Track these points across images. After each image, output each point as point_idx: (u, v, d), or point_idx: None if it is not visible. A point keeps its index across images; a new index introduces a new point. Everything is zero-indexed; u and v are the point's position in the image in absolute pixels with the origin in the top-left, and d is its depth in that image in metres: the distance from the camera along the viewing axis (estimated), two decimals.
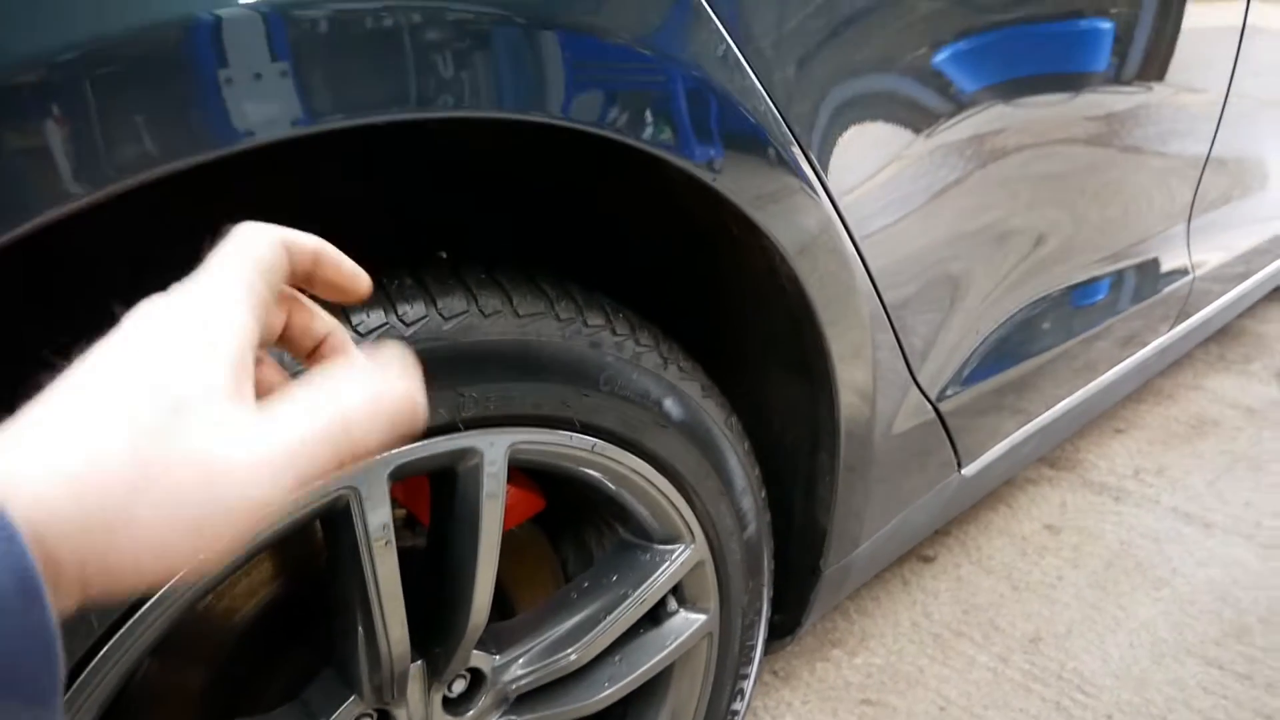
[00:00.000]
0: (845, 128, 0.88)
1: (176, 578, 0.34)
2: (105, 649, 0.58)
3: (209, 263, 0.39)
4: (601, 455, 0.79)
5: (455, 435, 0.68)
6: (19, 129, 0.43)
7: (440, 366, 0.66)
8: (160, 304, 0.37)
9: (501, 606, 0.93)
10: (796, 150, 0.83)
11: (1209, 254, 1.84)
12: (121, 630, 0.58)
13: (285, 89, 0.50)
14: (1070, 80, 1.20)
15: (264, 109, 0.49)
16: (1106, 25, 1.23)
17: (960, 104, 1.01)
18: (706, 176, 0.73)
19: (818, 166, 0.86)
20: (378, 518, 0.66)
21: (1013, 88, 1.10)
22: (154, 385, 0.34)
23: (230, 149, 0.49)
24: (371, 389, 0.39)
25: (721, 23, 0.72)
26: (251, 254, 0.40)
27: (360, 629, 0.71)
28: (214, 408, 0.35)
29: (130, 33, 0.45)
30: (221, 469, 0.34)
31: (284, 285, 0.42)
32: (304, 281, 0.43)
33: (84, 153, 0.45)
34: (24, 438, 0.32)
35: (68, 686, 0.58)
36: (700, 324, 0.98)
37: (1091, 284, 1.48)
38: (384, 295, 0.64)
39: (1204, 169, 1.65)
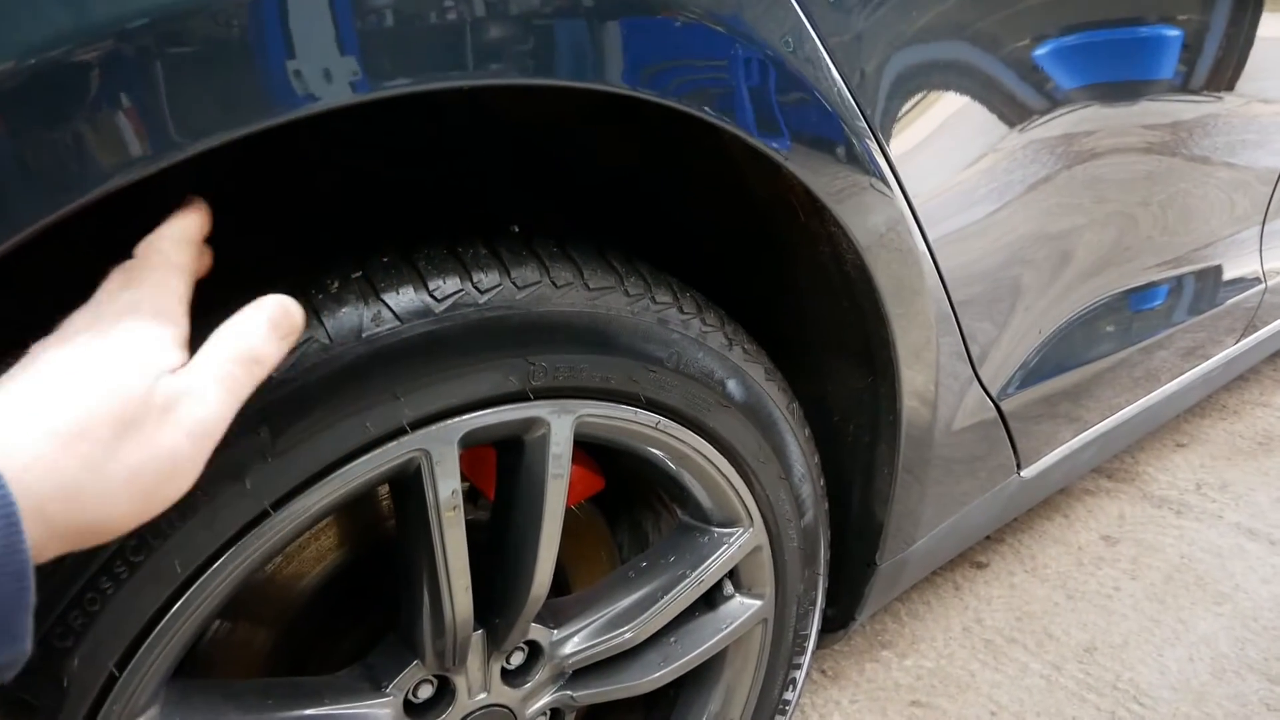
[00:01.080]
0: (923, 123, 0.88)
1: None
2: (185, 596, 0.60)
3: (158, 276, 0.49)
4: (665, 433, 0.79)
5: (524, 404, 0.69)
6: (87, 96, 0.44)
7: (513, 335, 0.67)
8: (122, 302, 0.47)
9: (558, 584, 0.94)
10: (872, 143, 0.83)
11: None
12: (200, 580, 0.60)
13: (346, 54, 0.50)
14: (1149, 86, 1.19)
15: (325, 73, 0.50)
16: (1181, 33, 1.22)
17: (1041, 106, 1.00)
18: (777, 157, 0.73)
19: (892, 159, 0.85)
20: (448, 483, 0.67)
21: (1095, 91, 1.09)
22: (137, 367, 0.44)
23: (293, 114, 0.49)
24: (245, 314, 0.50)
25: (800, 8, 0.72)
26: (184, 267, 0.51)
27: (426, 595, 0.72)
28: (168, 379, 0.45)
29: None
30: (170, 408, 0.44)
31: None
32: None
33: (149, 120, 0.45)
34: (18, 404, 0.41)
35: (139, 643, 0.59)
36: (762, 310, 0.99)
37: (1158, 289, 1.46)
38: (459, 263, 0.66)
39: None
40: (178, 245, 0.52)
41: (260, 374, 0.49)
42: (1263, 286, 1.76)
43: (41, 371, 0.43)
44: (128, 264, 0.51)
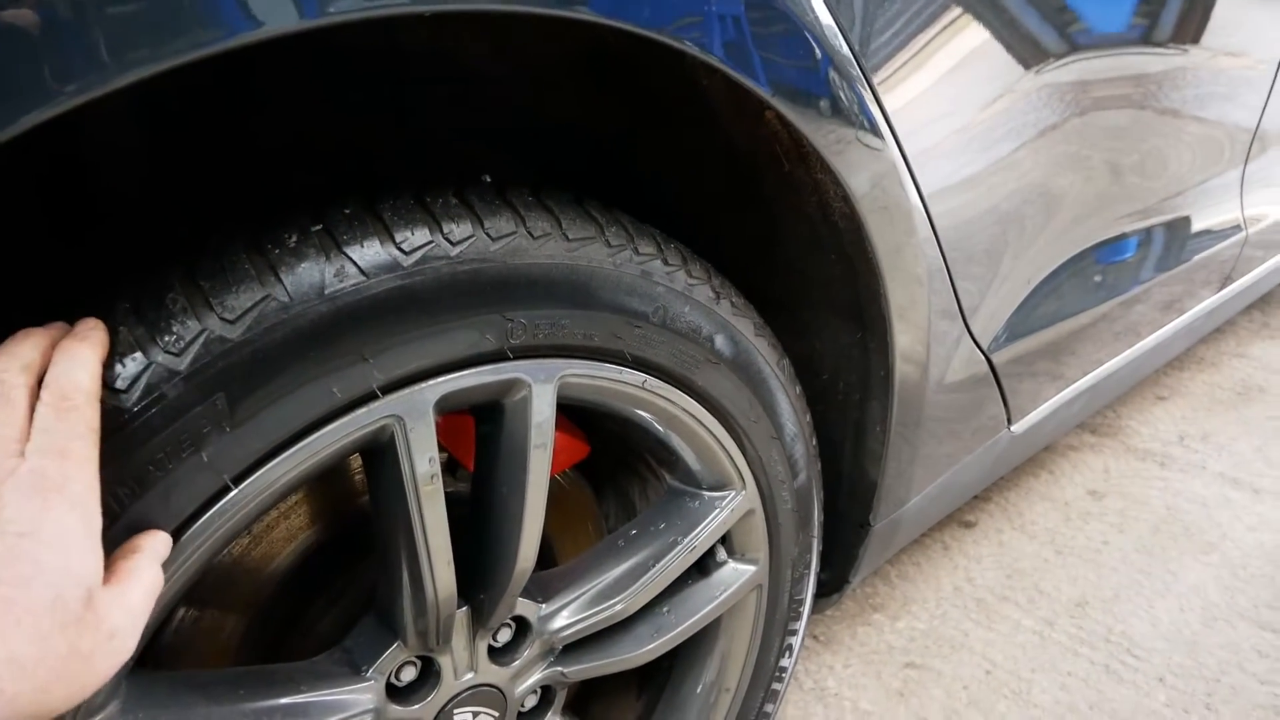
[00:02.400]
0: (919, 69, 0.84)
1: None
2: None
3: (62, 434, 0.46)
4: (652, 392, 0.75)
5: (503, 364, 0.65)
6: (19, 21, 0.40)
7: (488, 290, 0.62)
8: (40, 497, 0.44)
9: (544, 555, 0.90)
10: (865, 89, 0.79)
11: (1263, 209, 1.78)
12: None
13: None
14: (1137, 37, 1.17)
15: None
16: None
17: (1035, 57, 0.98)
18: (764, 94, 0.69)
19: (885, 106, 0.81)
20: (425, 453, 0.63)
21: (1089, 41, 1.06)
22: (71, 579, 0.44)
23: (238, 41, 0.45)
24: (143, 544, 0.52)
25: None
26: (92, 426, 0.48)
27: (405, 573, 0.68)
28: (100, 584, 0.46)
29: None
30: (116, 633, 0.47)
31: None
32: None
33: (82, 46, 0.41)
34: None
35: None
36: (745, 267, 0.95)
37: (1142, 236, 1.43)
38: (428, 214, 0.61)
39: (1260, 120, 1.59)
40: (85, 395, 0.48)
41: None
42: (1244, 233, 1.74)
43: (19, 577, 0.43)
44: (52, 396, 0.47)
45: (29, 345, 0.49)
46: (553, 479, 0.76)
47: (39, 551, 0.43)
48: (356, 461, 0.80)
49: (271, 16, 0.45)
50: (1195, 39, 1.32)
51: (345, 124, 0.85)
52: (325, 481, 0.79)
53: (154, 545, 0.52)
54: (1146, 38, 1.18)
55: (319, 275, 0.56)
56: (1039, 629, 1.43)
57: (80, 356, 0.49)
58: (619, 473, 0.98)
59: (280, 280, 0.55)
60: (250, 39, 0.45)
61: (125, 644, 0.48)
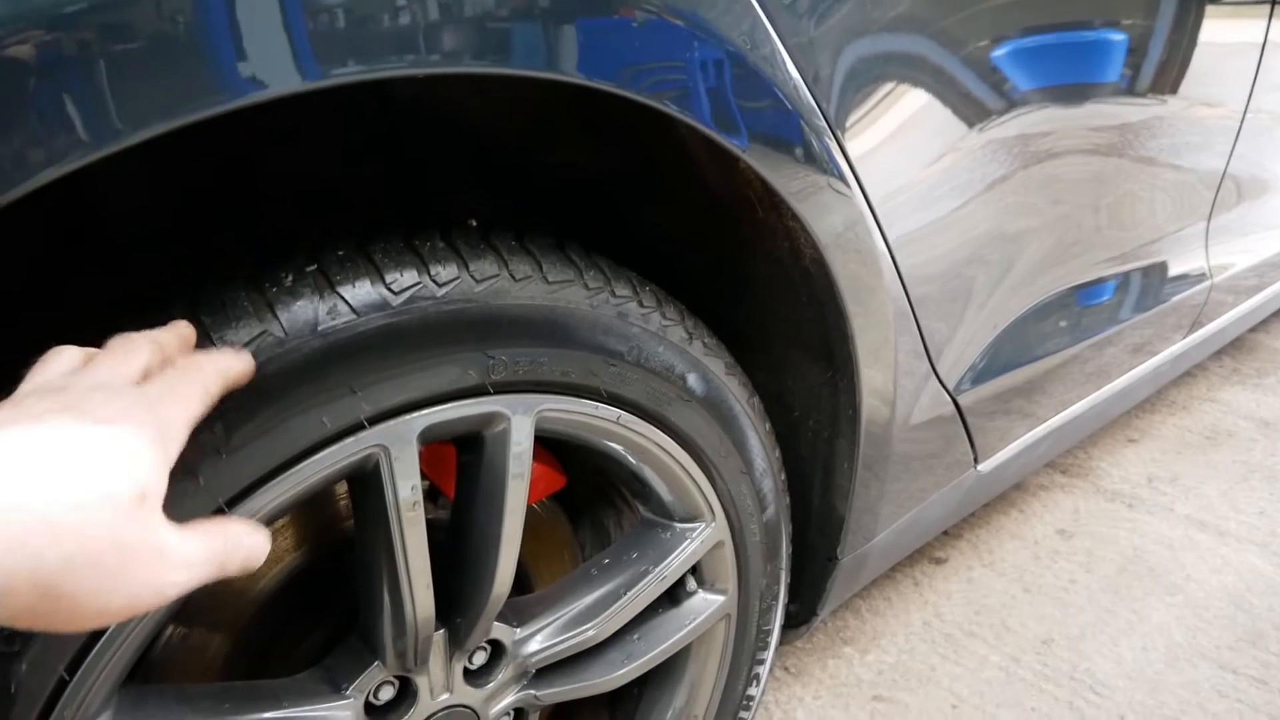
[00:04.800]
0: (881, 122, 0.89)
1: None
2: None
3: (184, 384, 0.50)
4: (626, 427, 0.79)
5: (484, 399, 0.69)
6: (25, 82, 0.42)
7: (471, 328, 0.67)
8: (132, 397, 0.46)
9: (520, 583, 0.93)
10: (830, 141, 0.83)
11: (1227, 258, 1.84)
12: None
13: (299, 39, 0.49)
14: (1099, 88, 1.22)
15: (276, 59, 0.49)
16: (1134, 37, 1.24)
17: (997, 106, 1.02)
18: (735, 151, 0.74)
19: (851, 157, 0.86)
20: (407, 480, 0.66)
21: (1050, 93, 1.11)
22: (130, 470, 0.43)
23: (243, 101, 0.48)
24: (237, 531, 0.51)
25: (760, 5, 0.72)
26: (208, 397, 0.51)
27: (386, 595, 0.71)
28: (160, 504, 0.44)
29: None
30: (165, 554, 0.44)
31: None
32: None
33: (92, 106, 0.44)
34: (27, 476, 0.39)
35: (89, 648, 0.58)
36: (721, 306, 0.99)
37: (1108, 283, 1.48)
38: (417, 256, 0.65)
39: (1223, 178, 1.65)
40: (219, 377, 0.53)
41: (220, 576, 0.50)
42: (1209, 282, 1.80)
43: (59, 441, 0.41)
44: (167, 360, 0.52)
45: (160, 334, 0.54)
46: (530, 508, 0.80)
47: (109, 439, 0.43)
48: (341, 487, 0.83)
49: (276, 80, 0.49)
50: (1173, 89, 1.38)
51: (338, 168, 0.90)
52: (310, 506, 0.83)
53: (243, 530, 0.51)
54: (1098, 90, 1.23)
55: (313, 313, 0.60)
56: (1005, 665, 1.47)
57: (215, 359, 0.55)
58: (595, 503, 1.02)
59: (276, 317, 0.59)
60: (254, 100, 0.49)
61: (170, 572, 0.45)
